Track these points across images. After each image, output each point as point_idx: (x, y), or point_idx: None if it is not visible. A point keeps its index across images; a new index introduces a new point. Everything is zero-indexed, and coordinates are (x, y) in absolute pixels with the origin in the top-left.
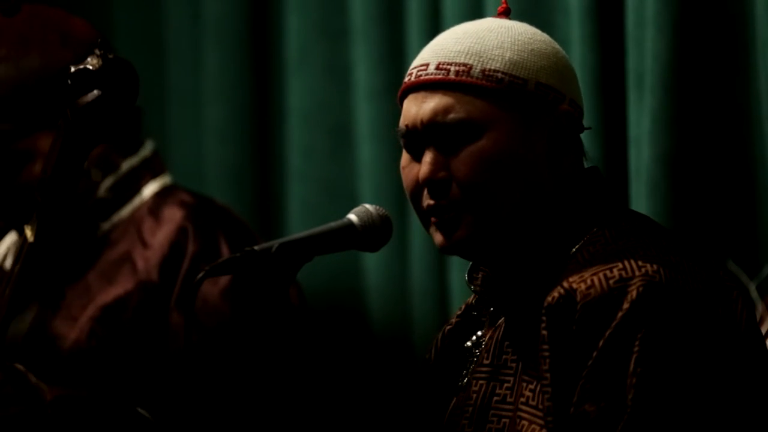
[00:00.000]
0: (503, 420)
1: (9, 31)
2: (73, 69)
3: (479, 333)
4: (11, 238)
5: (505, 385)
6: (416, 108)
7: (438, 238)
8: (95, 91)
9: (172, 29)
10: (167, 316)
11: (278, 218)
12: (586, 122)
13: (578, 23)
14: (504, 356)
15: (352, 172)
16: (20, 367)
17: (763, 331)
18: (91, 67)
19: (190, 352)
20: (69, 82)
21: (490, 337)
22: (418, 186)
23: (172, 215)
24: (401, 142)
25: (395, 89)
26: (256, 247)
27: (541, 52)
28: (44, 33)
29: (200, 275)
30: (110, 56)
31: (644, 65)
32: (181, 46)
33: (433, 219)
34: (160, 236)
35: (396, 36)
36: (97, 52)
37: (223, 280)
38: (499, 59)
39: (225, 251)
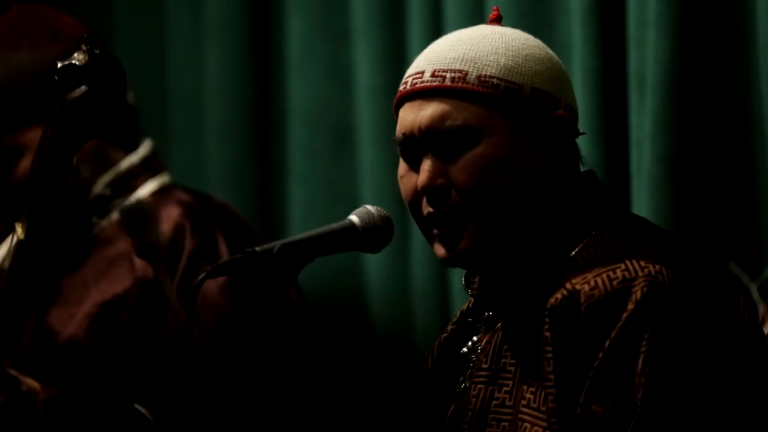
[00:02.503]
0: (503, 424)
1: None
2: (59, 65)
3: (474, 338)
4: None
5: (504, 389)
6: (413, 116)
7: (441, 251)
8: (82, 87)
9: (172, 29)
10: (165, 313)
11: (279, 219)
12: (587, 124)
13: (579, 25)
14: (503, 360)
15: (354, 172)
16: (13, 372)
17: (766, 331)
18: (77, 63)
19: (191, 350)
20: (56, 77)
21: (488, 342)
22: (417, 194)
23: (170, 213)
24: (398, 151)
25: (396, 90)
26: (257, 248)
27: (536, 58)
28: (33, 29)
29: (201, 276)
30: (97, 51)
31: (645, 67)
32: (182, 46)
33: (435, 231)
34: None
35: (397, 37)
36: (84, 47)
37: None
38: (494, 65)
39: (223, 248)
